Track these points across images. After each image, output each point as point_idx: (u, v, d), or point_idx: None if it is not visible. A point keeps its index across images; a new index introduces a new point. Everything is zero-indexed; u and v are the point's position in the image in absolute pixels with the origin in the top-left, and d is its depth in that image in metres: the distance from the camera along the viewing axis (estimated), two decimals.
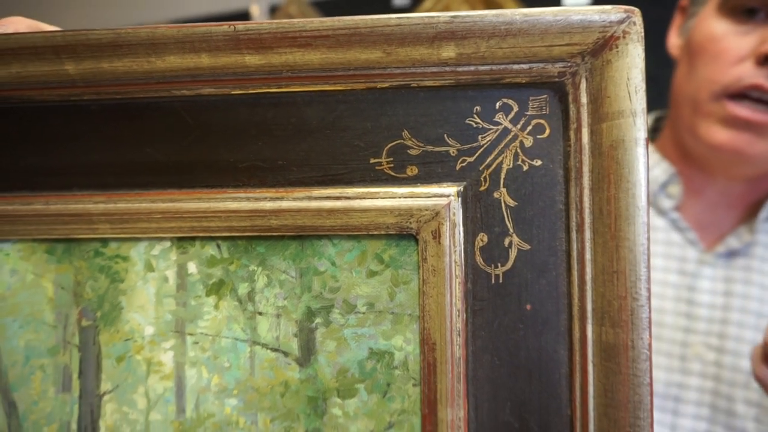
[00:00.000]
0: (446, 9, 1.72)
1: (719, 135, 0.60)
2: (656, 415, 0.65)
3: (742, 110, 0.58)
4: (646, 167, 0.23)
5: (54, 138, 0.29)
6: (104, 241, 0.30)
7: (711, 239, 0.69)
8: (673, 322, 0.66)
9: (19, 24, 0.29)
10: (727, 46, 0.59)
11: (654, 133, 0.77)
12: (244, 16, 2.02)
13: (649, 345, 0.23)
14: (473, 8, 1.68)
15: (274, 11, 2.01)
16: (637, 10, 0.23)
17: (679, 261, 0.68)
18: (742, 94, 0.58)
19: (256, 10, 2.04)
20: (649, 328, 0.23)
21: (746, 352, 0.63)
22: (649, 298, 0.23)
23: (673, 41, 0.70)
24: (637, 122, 0.23)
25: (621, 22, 0.23)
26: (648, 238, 0.23)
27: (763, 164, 0.62)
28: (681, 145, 0.68)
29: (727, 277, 0.66)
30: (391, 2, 1.87)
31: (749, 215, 0.67)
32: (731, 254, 0.66)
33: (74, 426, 0.30)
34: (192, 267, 0.29)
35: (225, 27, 0.25)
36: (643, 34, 0.23)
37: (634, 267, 0.23)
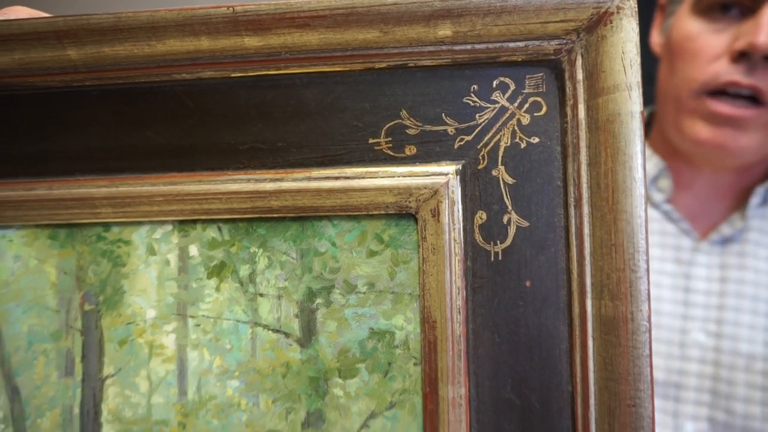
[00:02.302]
0: None
1: (702, 132, 0.61)
2: (658, 402, 0.65)
3: (722, 107, 0.59)
4: (642, 140, 0.23)
5: (56, 124, 0.29)
6: (106, 226, 0.30)
7: (704, 228, 0.70)
8: (671, 309, 0.67)
9: (20, 13, 0.30)
10: (702, 44, 0.60)
11: (646, 130, 0.78)
12: None
13: (649, 317, 0.23)
14: None
15: None
16: None
17: (674, 250, 0.69)
18: (721, 91, 0.59)
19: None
20: (648, 300, 0.23)
21: (745, 335, 0.63)
22: (647, 270, 0.23)
23: (655, 39, 0.71)
24: (633, 95, 0.23)
25: None
26: (645, 211, 0.23)
27: (748, 156, 0.63)
28: (668, 141, 0.69)
29: (722, 263, 0.67)
30: None
31: (740, 202, 0.68)
32: (725, 241, 0.67)
33: (77, 410, 0.30)
34: (193, 250, 0.29)
35: (224, 9, 0.26)
36: (636, 8, 0.23)
37: (632, 239, 0.23)
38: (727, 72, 0.58)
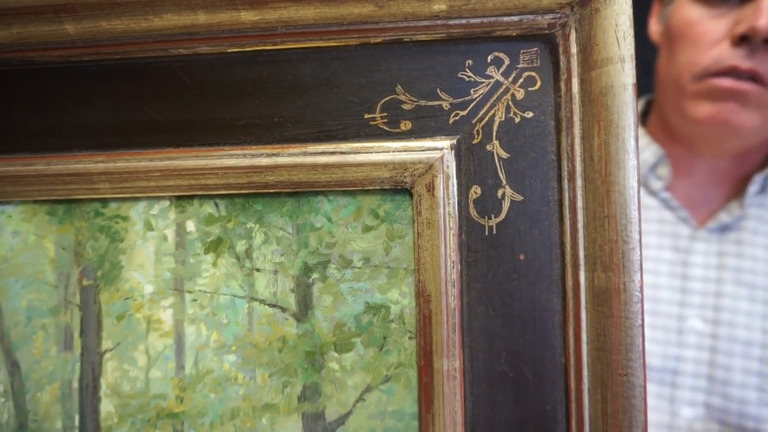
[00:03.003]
0: None
1: (705, 109, 0.62)
2: (655, 387, 0.65)
3: (726, 82, 0.60)
4: (635, 112, 0.24)
5: (55, 99, 0.29)
6: (104, 202, 0.30)
7: (702, 216, 0.70)
8: (668, 296, 0.67)
9: None
10: (703, 29, 0.61)
11: (644, 117, 0.78)
12: None
13: (641, 287, 0.23)
14: None
15: None
16: None
17: (672, 238, 0.69)
18: (722, 74, 0.60)
19: None
20: (641, 270, 0.23)
21: (742, 322, 0.64)
22: (640, 242, 0.23)
23: (654, 28, 0.71)
24: (626, 68, 0.23)
25: None
26: (638, 182, 0.24)
27: (749, 136, 0.64)
28: (668, 127, 0.70)
29: (719, 251, 0.67)
30: None
31: (738, 191, 0.69)
32: (723, 229, 0.67)
33: (76, 384, 0.30)
34: (190, 225, 0.30)
35: None
36: None
37: (624, 210, 0.24)
38: (728, 56, 0.59)
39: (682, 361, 0.65)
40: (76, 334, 0.30)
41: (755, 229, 0.66)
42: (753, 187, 0.66)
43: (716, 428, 0.63)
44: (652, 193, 0.72)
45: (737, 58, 0.58)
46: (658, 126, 0.72)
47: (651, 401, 0.65)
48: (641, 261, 0.23)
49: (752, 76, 0.58)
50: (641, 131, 0.74)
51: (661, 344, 0.66)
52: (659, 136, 0.72)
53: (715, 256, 0.67)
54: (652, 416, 0.65)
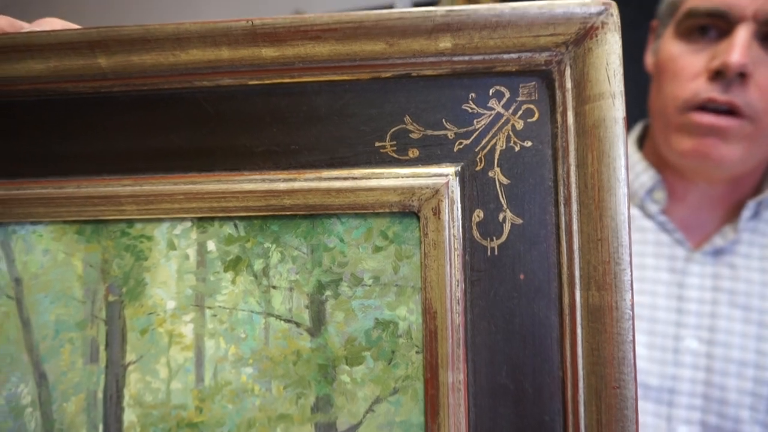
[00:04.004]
0: None
1: (686, 143, 0.65)
2: (652, 406, 0.67)
3: (704, 117, 0.63)
4: (625, 143, 0.26)
5: (85, 127, 0.31)
6: (130, 222, 0.32)
7: (697, 239, 0.72)
8: (665, 317, 0.68)
9: (55, 24, 0.32)
10: (683, 64, 0.65)
11: (642, 142, 0.81)
12: None
13: (631, 305, 0.25)
14: None
15: None
16: (613, 2, 0.26)
17: (668, 260, 0.71)
18: (701, 107, 0.63)
19: None
20: (631, 290, 0.25)
21: (737, 343, 0.65)
22: (630, 263, 0.25)
23: (648, 60, 0.75)
24: (616, 103, 0.25)
25: (600, 13, 0.26)
26: (628, 207, 0.25)
27: (732, 167, 0.66)
28: (660, 154, 0.72)
29: (714, 273, 0.69)
30: None
31: (732, 215, 0.71)
32: (717, 252, 0.69)
33: (100, 395, 0.32)
34: (211, 245, 0.32)
35: (243, 22, 0.28)
36: (619, 24, 0.25)
37: (616, 234, 0.26)
38: (705, 89, 0.62)
39: (679, 381, 0.67)
40: (102, 347, 0.32)
41: (748, 253, 0.69)
42: (746, 213, 0.69)
43: None
44: (650, 216, 0.74)
45: (714, 91, 0.61)
46: (652, 152, 0.75)
47: (648, 419, 0.66)
48: (632, 281, 0.25)
49: (730, 109, 0.61)
50: (639, 155, 0.76)
51: (658, 363, 0.67)
52: (654, 160, 0.74)
53: (710, 278, 0.69)
54: None
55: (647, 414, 0.67)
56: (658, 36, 0.72)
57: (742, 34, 0.60)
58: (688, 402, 0.66)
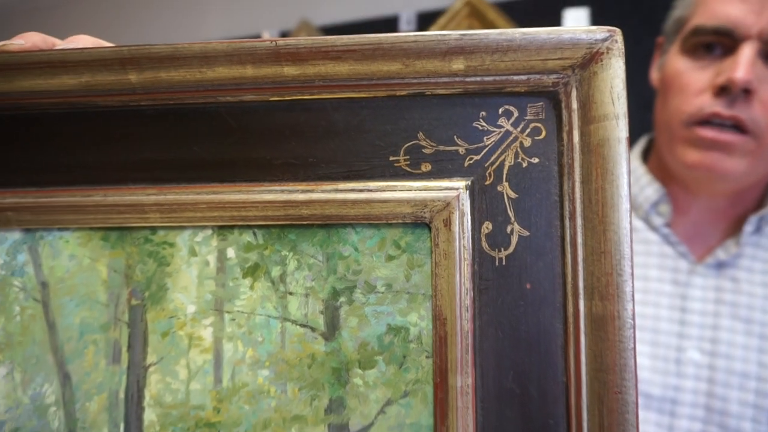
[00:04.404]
0: None
1: (692, 156, 0.66)
2: (654, 416, 0.68)
3: (708, 132, 0.64)
4: (628, 162, 0.27)
5: (113, 138, 0.33)
6: (153, 229, 0.34)
7: (701, 252, 0.73)
8: (668, 328, 0.69)
9: (86, 41, 0.34)
10: (689, 80, 0.66)
11: (647, 154, 0.82)
12: None
13: (633, 314, 0.27)
14: None
15: (284, 37, 2.08)
16: (618, 29, 0.27)
17: (672, 272, 0.72)
18: (706, 121, 0.64)
19: (267, 36, 2.12)
20: (633, 300, 0.27)
21: (739, 355, 0.66)
22: (631, 274, 0.27)
23: (654, 75, 0.77)
24: (620, 124, 0.27)
25: (605, 40, 0.27)
26: (630, 222, 0.27)
27: (736, 180, 0.68)
28: (665, 167, 0.74)
29: (717, 286, 0.70)
30: (398, 28, 1.95)
31: (735, 229, 0.72)
32: (720, 265, 0.71)
33: (122, 395, 0.33)
34: (230, 252, 0.33)
35: (268, 42, 0.30)
36: (623, 49, 0.27)
37: (618, 247, 0.27)
38: (710, 105, 0.63)
39: (681, 391, 0.68)
40: (124, 349, 0.34)
41: (750, 267, 0.70)
42: (748, 227, 0.70)
43: None
44: (654, 228, 0.75)
45: (718, 106, 0.63)
46: (657, 165, 0.76)
47: (650, 429, 0.67)
48: (633, 292, 0.26)
49: (735, 124, 0.62)
50: (644, 169, 0.78)
51: (661, 374, 0.68)
52: (658, 174, 0.76)
53: (712, 290, 0.70)
54: None
55: (649, 424, 0.68)
56: (663, 52, 0.74)
57: (747, 52, 0.61)
58: (690, 413, 0.67)
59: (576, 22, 1.64)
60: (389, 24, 1.97)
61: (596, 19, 1.65)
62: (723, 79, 0.62)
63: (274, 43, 0.30)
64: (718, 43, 0.65)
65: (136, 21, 2.37)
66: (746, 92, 0.62)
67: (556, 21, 1.70)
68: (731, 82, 0.61)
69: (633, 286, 0.27)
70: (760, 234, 0.71)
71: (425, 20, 1.92)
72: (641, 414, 0.68)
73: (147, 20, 2.36)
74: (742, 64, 0.61)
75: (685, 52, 0.68)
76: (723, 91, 0.63)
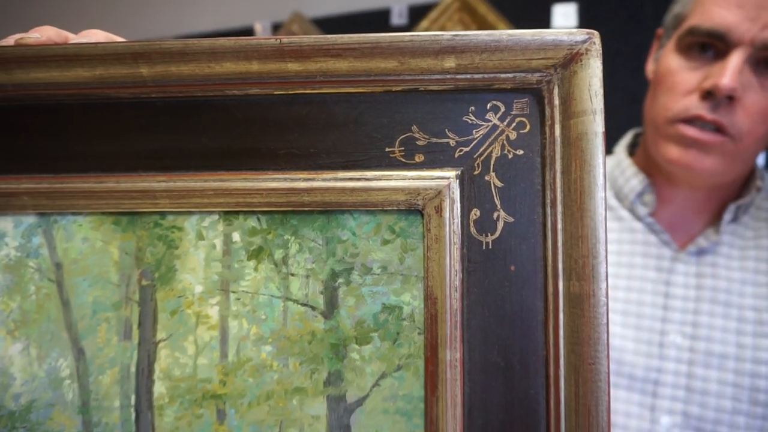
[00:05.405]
0: (442, 30, 1.83)
1: (673, 152, 0.69)
2: (637, 397, 0.71)
3: (690, 131, 0.67)
4: (604, 154, 0.29)
5: (125, 128, 0.35)
6: (163, 214, 0.36)
7: (683, 240, 0.76)
8: (651, 313, 0.72)
9: (98, 35, 0.36)
10: (679, 79, 0.68)
11: (633, 148, 0.85)
12: (248, 32, 2.11)
13: (606, 293, 0.29)
14: (467, 29, 1.78)
15: (276, 29, 2.09)
16: (596, 32, 0.29)
17: (656, 259, 0.75)
18: (689, 121, 0.67)
19: (259, 28, 2.12)
20: (606, 280, 0.29)
21: (718, 337, 0.70)
22: (605, 257, 0.29)
23: (649, 66, 0.79)
24: (597, 119, 0.29)
25: (584, 41, 0.30)
26: (605, 209, 0.29)
27: (713, 177, 0.71)
28: (651, 160, 0.76)
29: (698, 272, 0.73)
30: (389, 21, 1.96)
31: (715, 219, 0.75)
32: (701, 252, 0.74)
33: (133, 369, 0.36)
34: (236, 236, 0.35)
35: (273, 40, 0.32)
36: (601, 51, 0.29)
37: (594, 231, 0.29)
38: (695, 107, 0.66)
39: (663, 373, 0.71)
40: (135, 326, 0.36)
41: (728, 254, 0.73)
42: (727, 216, 0.73)
43: None
44: (638, 217, 0.78)
45: (703, 109, 0.65)
46: (643, 157, 0.79)
47: (633, 409, 0.70)
48: (606, 272, 0.29)
49: (716, 127, 0.65)
50: (629, 161, 0.80)
51: (644, 356, 0.71)
52: (644, 166, 0.78)
53: (694, 277, 0.73)
54: (633, 423, 0.70)
55: (632, 404, 0.71)
56: (661, 45, 0.76)
57: (735, 60, 0.63)
58: (672, 393, 0.70)
59: (564, 17, 1.66)
60: (381, 17, 1.98)
61: (584, 15, 1.67)
62: (710, 84, 0.64)
63: (279, 40, 0.32)
64: (711, 45, 0.66)
65: (128, 10, 2.37)
66: (730, 99, 0.64)
67: (545, 16, 1.71)
68: (716, 88, 0.63)
69: (607, 268, 0.29)
70: (737, 222, 0.74)
71: (417, 13, 1.92)
72: (625, 395, 0.71)
73: (139, 10, 2.36)
74: (729, 72, 0.63)
75: (679, 50, 0.70)
76: (709, 95, 0.65)
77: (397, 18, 1.97)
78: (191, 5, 2.29)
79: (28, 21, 2.46)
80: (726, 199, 0.75)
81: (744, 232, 0.74)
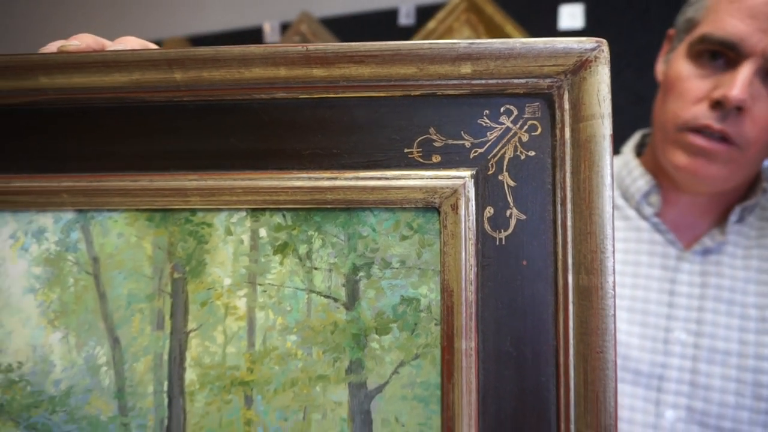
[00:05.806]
0: (449, 30, 1.83)
1: (680, 159, 0.70)
2: (642, 391, 0.72)
3: (698, 140, 0.67)
4: (611, 155, 0.31)
5: (158, 130, 0.37)
6: (193, 211, 0.38)
7: (688, 240, 0.78)
8: (657, 310, 0.74)
9: (133, 42, 0.38)
10: (689, 86, 0.68)
11: (641, 149, 0.86)
12: (257, 32, 2.13)
13: (613, 286, 0.31)
14: (475, 31, 1.79)
15: (285, 28, 2.11)
16: (604, 41, 0.31)
17: (661, 258, 0.77)
18: (697, 130, 0.67)
19: (268, 28, 2.15)
20: (613, 273, 0.31)
21: (721, 334, 0.71)
22: (613, 252, 0.31)
23: (659, 67, 0.79)
24: (605, 122, 0.31)
25: (593, 49, 0.31)
26: (612, 207, 0.31)
27: (718, 184, 0.72)
28: (657, 162, 0.78)
29: (702, 271, 0.74)
30: (396, 21, 1.97)
31: (720, 220, 0.77)
32: (706, 252, 0.75)
33: (166, 357, 0.38)
34: (263, 232, 0.37)
35: (300, 47, 0.34)
36: (609, 58, 0.31)
37: (602, 228, 0.31)
38: (704, 116, 0.66)
39: (668, 368, 0.72)
40: (167, 317, 0.38)
41: (733, 253, 0.74)
42: (733, 217, 0.74)
43: (696, 429, 0.70)
44: (645, 217, 0.79)
45: (711, 118, 0.66)
46: (650, 159, 0.81)
47: (638, 404, 0.72)
48: (614, 266, 0.31)
49: (723, 137, 0.65)
50: (636, 162, 0.82)
51: (650, 352, 0.73)
52: (651, 167, 0.80)
53: (698, 275, 0.75)
54: (638, 417, 0.72)
55: (638, 398, 0.72)
56: (672, 48, 0.76)
57: (746, 71, 0.64)
58: (676, 388, 0.72)
59: (571, 17, 1.67)
60: (389, 17, 1.99)
61: (591, 15, 1.67)
62: (719, 94, 0.65)
63: (305, 48, 0.34)
64: (722, 53, 0.67)
65: (138, 11, 2.40)
66: (739, 109, 0.65)
67: (551, 16, 1.72)
68: (726, 99, 0.64)
69: (614, 262, 0.31)
70: (742, 223, 0.76)
71: (424, 13, 1.93)
72: (631, 389, 0.73)
73: (148, 10, 2.38)
74: (739, 83, 0.63)
75: (690, 57, 0.70)
76: (718, 105, 0.65)
77: (405, 18, 1.98)
78: (200, 5, 2.32)
79: (42, 23, 2.49)
80: (732, 201, 0.76)
81: (748, 231, 0.76)
